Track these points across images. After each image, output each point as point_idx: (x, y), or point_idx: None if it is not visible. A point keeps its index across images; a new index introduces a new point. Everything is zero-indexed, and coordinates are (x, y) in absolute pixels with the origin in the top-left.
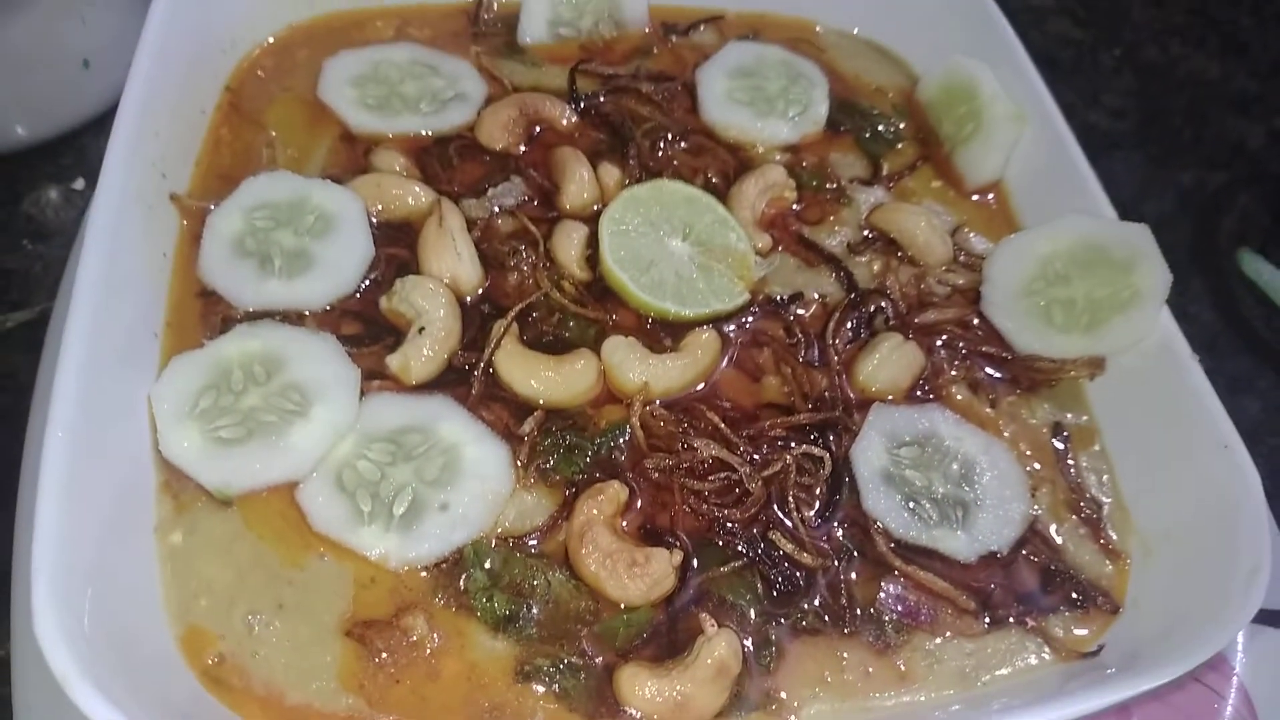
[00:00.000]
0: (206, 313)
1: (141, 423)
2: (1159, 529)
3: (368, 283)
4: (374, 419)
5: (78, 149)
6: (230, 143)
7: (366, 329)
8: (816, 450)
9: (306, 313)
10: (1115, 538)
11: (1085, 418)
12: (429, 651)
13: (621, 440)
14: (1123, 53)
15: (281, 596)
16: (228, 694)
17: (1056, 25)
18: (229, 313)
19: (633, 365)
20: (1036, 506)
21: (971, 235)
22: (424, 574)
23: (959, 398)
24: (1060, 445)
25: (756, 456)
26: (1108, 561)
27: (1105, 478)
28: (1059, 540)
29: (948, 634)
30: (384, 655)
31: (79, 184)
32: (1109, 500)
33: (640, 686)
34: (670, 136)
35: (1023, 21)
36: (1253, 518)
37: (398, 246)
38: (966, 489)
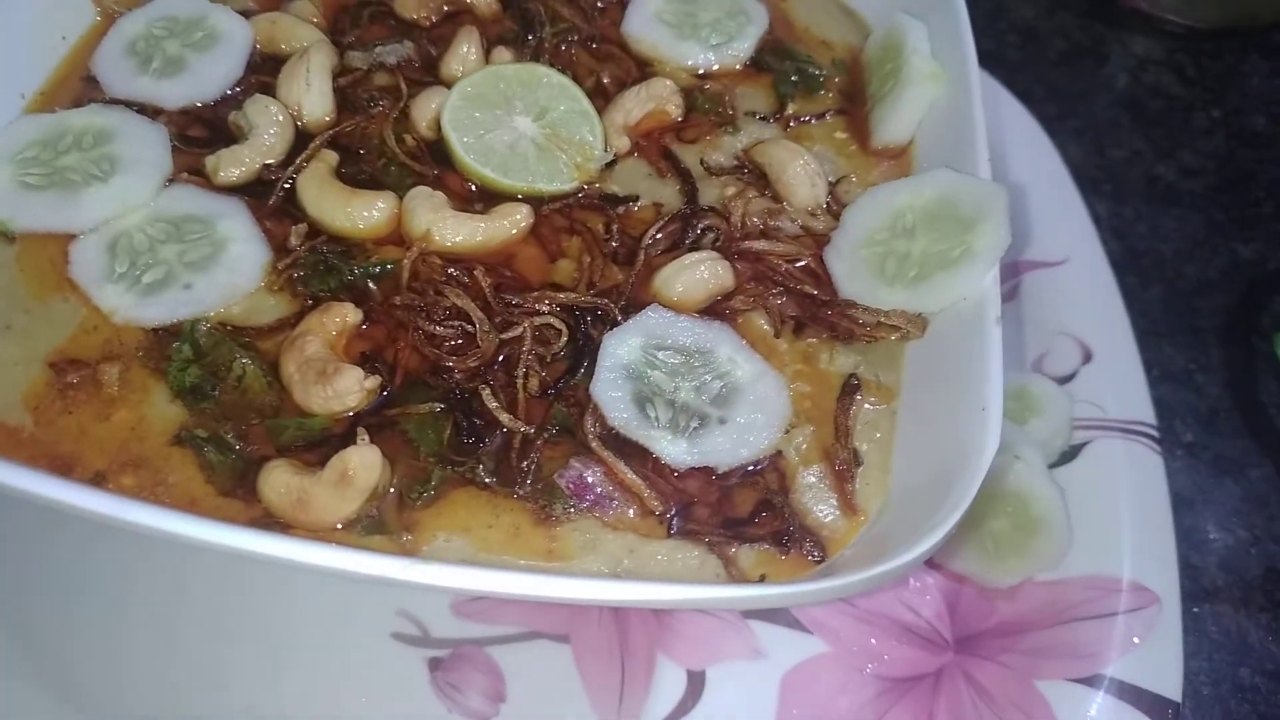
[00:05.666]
0: (81, 95)
1: None
2: (905, 488)
3: (226, 94)
4: (168, 203)
5: None
6: None
7: (210, 135)
8: (556, 322)
9: (163, 109)
10: (860, 496)
11: (892, 377)
12: (109, 397)
13: (381, 275)
14: (1223, 115)
15: (13, 320)
16: None
17: (1157, 76)
18: (99, 97)
19: (424, 213)
20: (786, 444)
21: (856, 189)
22: (142, 335)
23: (764, 326)
24: (847, 396)
25: (500, 318)
26: (843, 515)
27: (878, 435)
28: (799, 482)
29: (620, 527)
30: (69, 387)
31: None
32: (875, 459)
33: (272, 477)
34: (579, 38)
35: (1116, 67)
36: (967, 479)
37: (270, 76)
38: (714, 407)
